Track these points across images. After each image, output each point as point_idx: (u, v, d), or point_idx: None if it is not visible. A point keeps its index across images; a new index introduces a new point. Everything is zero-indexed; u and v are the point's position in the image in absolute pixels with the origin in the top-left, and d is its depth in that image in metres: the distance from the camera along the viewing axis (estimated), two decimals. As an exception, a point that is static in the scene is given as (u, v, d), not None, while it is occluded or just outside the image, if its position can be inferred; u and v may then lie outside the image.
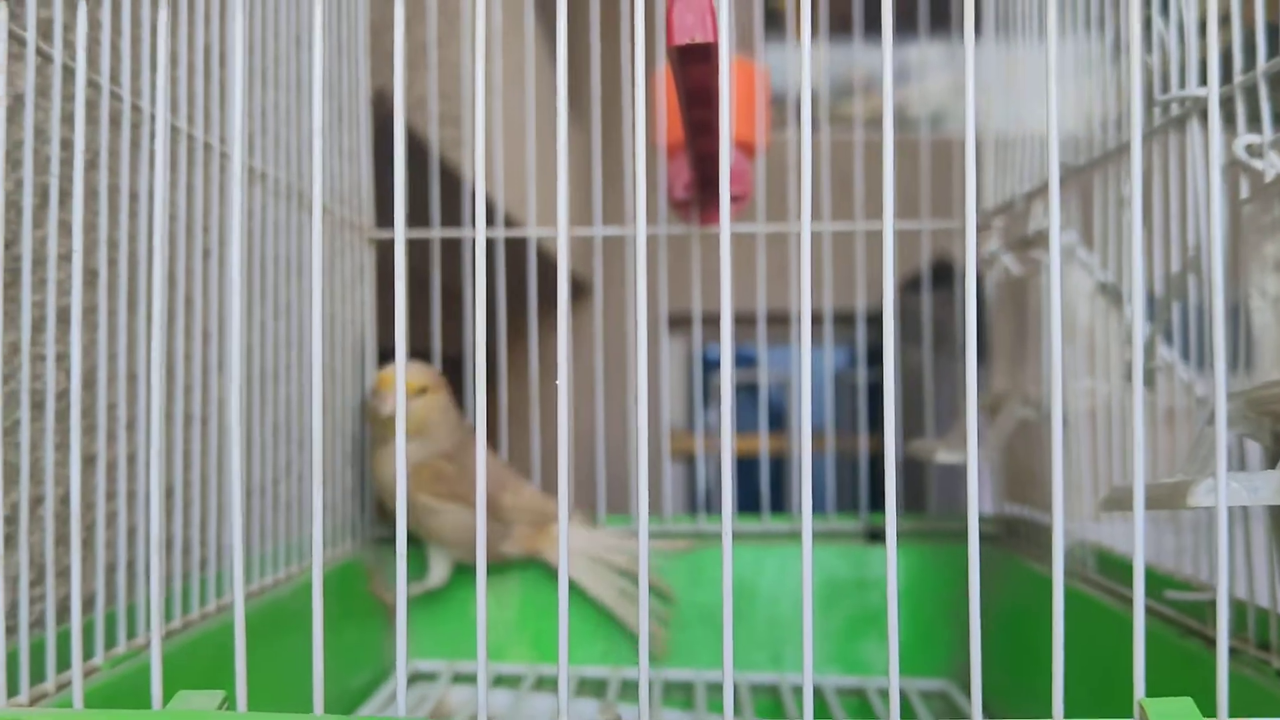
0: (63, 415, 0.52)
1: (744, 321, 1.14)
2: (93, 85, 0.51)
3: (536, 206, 0.95)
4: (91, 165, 0.53)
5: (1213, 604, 0.56)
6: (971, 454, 0.35)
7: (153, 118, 0.55)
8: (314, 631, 0.34)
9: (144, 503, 0.56)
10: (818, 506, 0.98)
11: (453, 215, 1.03)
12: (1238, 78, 0.52)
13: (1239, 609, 0.53)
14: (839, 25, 1.08)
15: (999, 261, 0.84)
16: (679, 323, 1.38)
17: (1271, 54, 0.50)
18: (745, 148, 0.92)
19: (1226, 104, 0.53)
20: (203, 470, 0.65)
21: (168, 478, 0.61)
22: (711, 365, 3.17)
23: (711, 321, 0.97)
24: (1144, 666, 0.35)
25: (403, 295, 0.35)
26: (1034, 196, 0.78)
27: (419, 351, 0.98)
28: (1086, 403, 0.69)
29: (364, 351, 0.92)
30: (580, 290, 2.37)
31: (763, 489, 0.95)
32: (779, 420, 2.74)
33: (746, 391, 3.00)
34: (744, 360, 3.08)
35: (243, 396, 0.67)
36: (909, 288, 1.24)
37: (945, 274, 1.10)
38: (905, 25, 1.05)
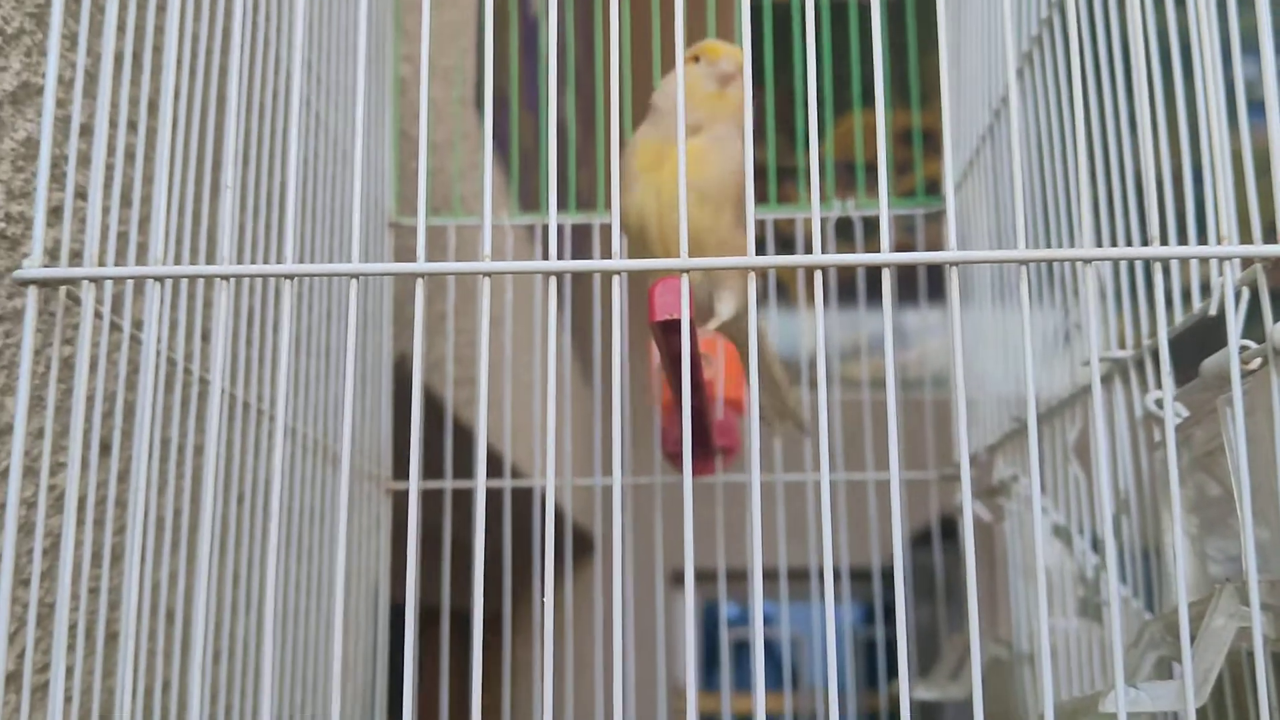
0: (112, 639, 0.58)
1: (765, 577, 1.19)
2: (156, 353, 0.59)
3: (542, 459, 1.02)
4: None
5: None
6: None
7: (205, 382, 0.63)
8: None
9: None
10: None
11: (466, 469, 1.10)
12: (1145, 340, 0.60)
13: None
14: (845, 294, 1.18)
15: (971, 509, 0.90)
16: (697, 577, 1.43)
17: (1171, 321, 0.58)
18: (735, 405, 1.00)
19: (1139, 364, 0.61)
20: (230, 701, 0.69)
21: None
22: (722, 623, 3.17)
23: (726, 577, 1.03)
24: None
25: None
26: (995, 449, 0.85)
27: (429, 603, 1.03)
28: (1049, 640, 0.74)
29: (377, 599, 0.98)
30: (584, 543, 2.41)
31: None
32: (794, 678, 2.73)
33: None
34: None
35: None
36: (919, 542, 1.30)
37: (952, 528, 1.16)
38: (906, 293, 1.15)
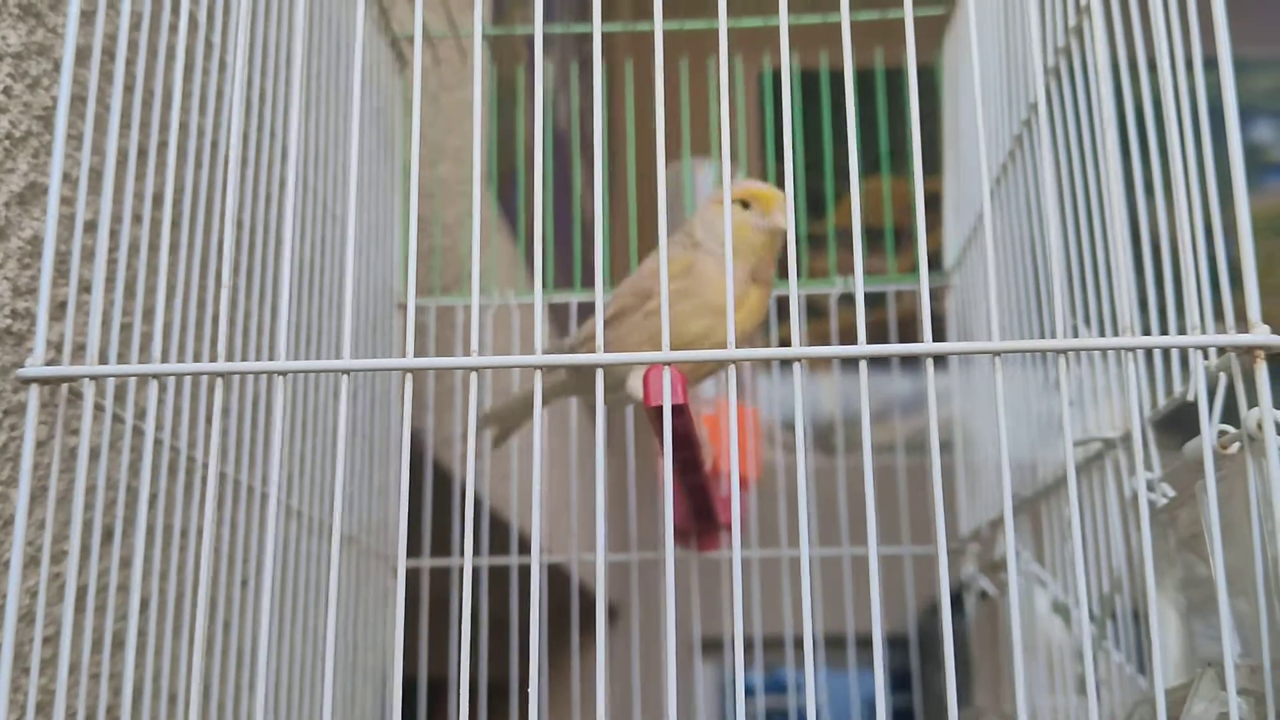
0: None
1: (775, 646, 1.20)
2: (157, 442, 0.60)
3: (556, 534, 1.03)
4: (151, 504, 0.62)
5: None
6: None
7: (204, 465, 0.64)
8: None
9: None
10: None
11: (476, 545, 1.11)
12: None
13: None
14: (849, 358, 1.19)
15: (976, 583, 0.90)
16: (711, 647, 1.43)
17: (1155, 404, 0.59)
18: (741, 481, 1.01)
19: (1126, 443, 0.61)
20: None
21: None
22: (748, 692, 3.13)
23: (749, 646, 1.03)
24: None
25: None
26: (998, 524, 0.85)
27: (439, 675, 1.03)
28: (1049, 717, 0.74)
29: (385, 676, 0.98)
30: (614, 614, 2.41)
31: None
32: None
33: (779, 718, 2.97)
34: (775, 686, 3.06)
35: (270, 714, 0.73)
36: (928, 612, 1.29)
37: (961, 600, 1.16)
38: (914, 358, 1.15)
